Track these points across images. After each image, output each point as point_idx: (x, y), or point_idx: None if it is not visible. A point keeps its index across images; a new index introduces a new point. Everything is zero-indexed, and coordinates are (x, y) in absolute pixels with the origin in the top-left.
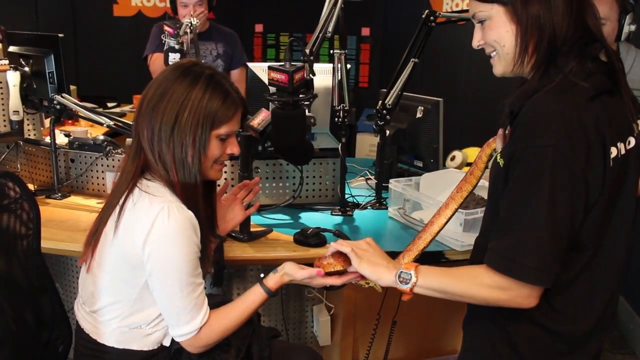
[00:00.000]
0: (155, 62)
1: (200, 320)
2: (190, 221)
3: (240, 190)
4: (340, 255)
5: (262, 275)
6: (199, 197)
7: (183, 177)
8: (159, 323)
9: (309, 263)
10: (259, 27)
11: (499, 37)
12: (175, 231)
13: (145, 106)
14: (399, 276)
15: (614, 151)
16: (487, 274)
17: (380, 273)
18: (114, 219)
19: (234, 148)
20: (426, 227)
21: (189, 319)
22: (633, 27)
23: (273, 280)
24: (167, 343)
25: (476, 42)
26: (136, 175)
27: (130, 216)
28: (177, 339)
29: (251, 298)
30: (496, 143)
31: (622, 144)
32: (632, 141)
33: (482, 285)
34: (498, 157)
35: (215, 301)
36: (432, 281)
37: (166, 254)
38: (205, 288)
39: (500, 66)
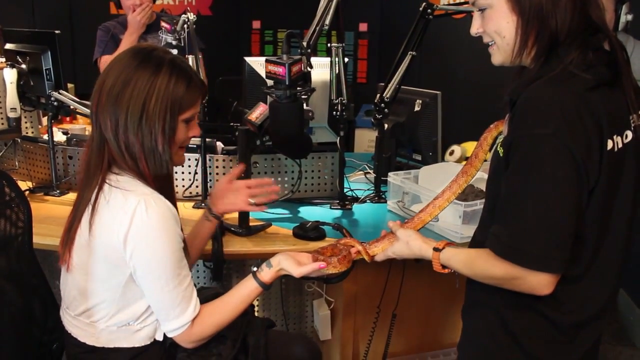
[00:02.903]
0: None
1: (190, 314)
2: (170, 211)
3: (255, 185)
4: (345, 257)
5: (254, 268)
6: (172, 185)
7: (154, 167)
8: (147, 318)
9: None
10: (256, 24)
11: (499, 28)
12: (156, 224)
13: (105, 96)
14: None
15: (610, 144)
16: (498, 265)
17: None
18: (87, 218)
19: (195, 130)
20: (427, 207)
21: (179, 313)
22: (630, 17)
23: (269, 275)
24: (159, 337)
25: (475, 29)
26: (104, 168)
27: (105, 215)
28: (169, 335)
29: (245, 292)
30: (504, 126)
31: (619, 137)
32: (630, 135)
33: (494, 277)
34: (499, 147)
35: (211, 293)
36: (451, 264)
37: (149, 249)
38: (197, 285)
39: (500, 56)
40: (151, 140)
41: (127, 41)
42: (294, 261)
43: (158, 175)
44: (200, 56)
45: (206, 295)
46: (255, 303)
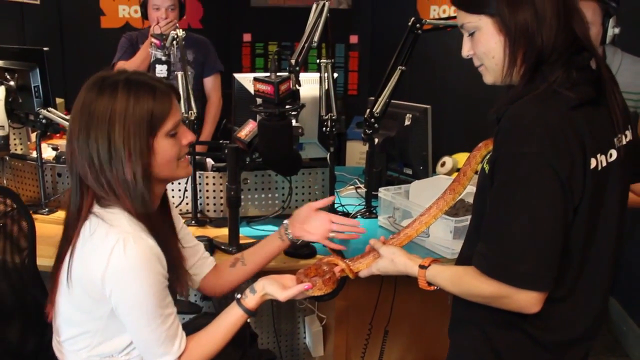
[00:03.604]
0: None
1: (175, 352)
2: (152, 251)
3: (340, 222)
4: (330, 279)
5: (237, 295)
6: (153, 219)
7: (136, 203)
8: (132, 351)
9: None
10: (247, 37)
11: (487, 49)
12: (134, 266)
13: (76, 142)
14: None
15: (593, 162)
16: (485, 283)
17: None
18: (71, 250)
19: (188, 136)
20: (413, 223)
21: (163, 352)
22: (617, 30)
23: (253, 301)
24: None
25: (466, 52)
26: (86, 211)
27: (87, 248)
28: None
29: (231, 320)
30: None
31: (602, 156)
32: (614, 154)
33: (481, 295)
34: (485, 164)
35: (204, 323)
36: (437, 281)
37: (128, 290)
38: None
39: (490, 77)
40: (125, 173)
41: (144, 52)
42: (278, 285)
43: (142, 213)
44: (218, 77)
45: (197, 326)
46: (248, 320)
